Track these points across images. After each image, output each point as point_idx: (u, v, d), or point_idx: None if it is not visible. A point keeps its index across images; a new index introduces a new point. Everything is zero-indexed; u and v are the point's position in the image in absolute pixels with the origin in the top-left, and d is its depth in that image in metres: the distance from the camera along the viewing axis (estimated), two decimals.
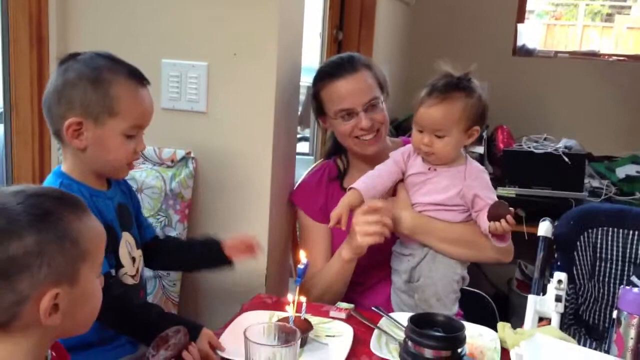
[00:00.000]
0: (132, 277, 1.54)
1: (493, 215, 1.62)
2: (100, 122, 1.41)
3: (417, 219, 1.75)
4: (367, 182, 1.75)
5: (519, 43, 4.06)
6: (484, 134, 3.20)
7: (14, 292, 0.93)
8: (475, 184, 1.71)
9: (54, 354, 1.07)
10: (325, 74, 1.89)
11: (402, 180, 1.81)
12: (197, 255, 1.69)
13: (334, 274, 1.82)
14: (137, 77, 1.47)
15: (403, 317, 1.51)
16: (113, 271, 1.47)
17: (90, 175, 1.47)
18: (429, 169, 1.75)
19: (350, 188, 1.74)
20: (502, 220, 1.60)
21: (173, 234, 1.88)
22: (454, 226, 1.74)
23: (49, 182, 1.46)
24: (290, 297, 1.45)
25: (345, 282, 1.84)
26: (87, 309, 1.03)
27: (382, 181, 1.77)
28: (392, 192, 1.84)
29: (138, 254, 1.58)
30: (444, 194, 1.73)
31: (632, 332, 1.35)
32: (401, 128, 3.10)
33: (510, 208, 1.62)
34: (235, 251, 1.64)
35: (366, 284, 1.91)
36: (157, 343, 1.23)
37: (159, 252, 1.69)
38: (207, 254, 1.66)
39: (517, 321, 1.58)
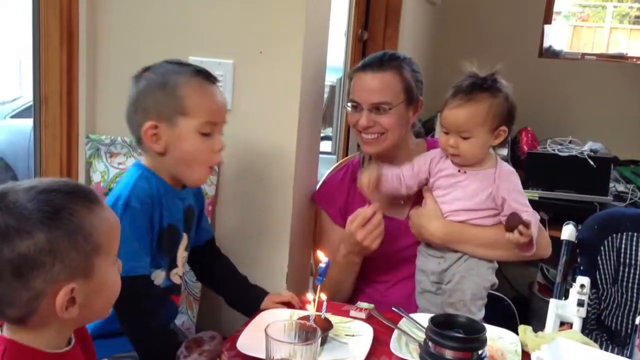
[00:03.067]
0: (180, 276, 1.59)
1: (507, 227, 1.62)
2: (174, 123, 1.45)
3: (449, 227, 1.72)
4: (389, 172, 1.76)
5: (546, 44, 4.03)
6: (508, 136, 3.18)
7: (29, 289, 0.94)
8: (504, 186, 1.68)
9: (74, 339, 1.08)
10: (361, 63, 1.90)
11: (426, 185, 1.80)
12: (235, 292, 1.71)
13: (339, 269, 1.84)
14: (203, 75, 1.50)
15: (423, 318, 1.51)
16: (156, 274, 1.49)
17: (168, 176, 1.51)
18: (459, 171, 1.73)
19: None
20: (516, 232, 1.60)
21: None
22: (487, 230, 1.71)
23: (129, 173, 1.49)
24: (309, 296, 1.46)
25: (351, 278, 1.87)
26: (104, 298, 1.04)
27: (399, 181, 1.77)
28: (415, 196, 1.83)
29: (186, 254, 1.61)
30: (473, 198, 1.71)
31: None
32: (425, 128, 3.09)
33: (527, 219, 1.60)
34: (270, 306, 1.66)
35: (388, 282, 1.92)
36: (189, 344, 1.22)
37: (206, 262, 1.71)
38: (244, 299, 1.69)
39: (537, 325, 1.56)
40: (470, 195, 1.71)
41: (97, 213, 1.01)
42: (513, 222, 1.61)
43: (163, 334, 1.44)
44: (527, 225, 1.59)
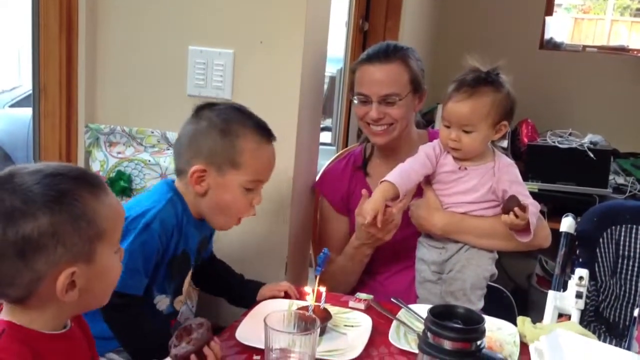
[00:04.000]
0: (182, 302, 1.59)
1: (504, 209, 1.63)
2: (223, 172, 1.45)
3: (449, 218, 1.73)
4: (402, 175, 1.71)
5: (547, 36, 4.01)
6: (508, 128, 3.18)
7: (30, 271, 0.96)
8: (504, 178, 1.69)
9: (71, 323, 1.09)
10: (365, 56, 1.89)
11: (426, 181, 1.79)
12: (234, 289, 1.71)
13: (348, 259, 1.86)
14: (265, 133, 1.50)
15: (422, 309, 1.51)
16: (161, 300, 1.49)
17: (195, 208, 1.51)
18: (460, 168, 1.73)
19: (383, 181, 1.70)
20: (511, 213, 1.60)
21: None
22: (487, 221, 1.71)
23: (160, 190, 1.49)
24: (307, 289, 1.46)
25: (359, 268, 1.88)
26: (104, 284, 1.06)
27: (416, 175, 1.74)
28: (416, 190, 1.82)
29: (189, 283, 1.62)
30: (474, 193, 1.72)
31: None
32: (425, 119, 3.09)
33: (524, 202, 1.60)
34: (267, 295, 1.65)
35: (387, 272, 1.92)
36: (180, 333, 1.23)
37: (205, 272, 1.70)
38: (245, 294, 1.68)
39: (535, 316, 1.57)
40: (471, 191, 1.72)
41: (101, 199, 1.02)
42: (510, 203, 1.62)
43: (154, 336, 1.40)
44: (523, 208, 1.59)
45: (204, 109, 1.51)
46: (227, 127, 1.46)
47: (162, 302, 1.50)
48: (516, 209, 1.60)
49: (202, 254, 1.63)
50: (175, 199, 1.47)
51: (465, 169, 1.72)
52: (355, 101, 1.89)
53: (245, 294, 1.67)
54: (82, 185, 1.00)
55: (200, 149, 1.46)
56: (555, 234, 1.87)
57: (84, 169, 1.09)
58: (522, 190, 1.71)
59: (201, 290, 1.84)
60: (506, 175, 1.70)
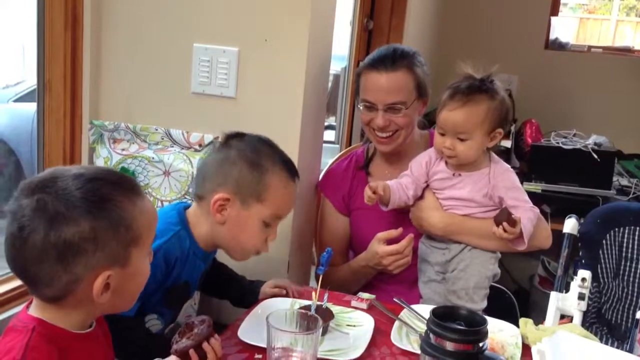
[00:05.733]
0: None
1: (495, 221, 1.64)
2: (247, 204, 1.46)
3: (449, 218, 1.74)
4: (395, 191, 1.76)
5: (552, 37, 4.00)
6: (512, 128, 3.17)
7: (69, 273, 0.98)
8: (500, 185, 1.70)
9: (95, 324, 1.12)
10: (370, 61, 1.88)
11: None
12: (237, 291, 1.71)
13: (351, 273, 1.88)
14: (292, 170, 1.53)
15: (424, 309, 1.52)
16: (153, 323, 1.47)
17: (208, 238, 1.50)
18: (454, 174, 1.73)
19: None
20: (500, 227, 1.62)
21: None
22: (487, 222, 1.70)
23: (169, 219, 1.47)
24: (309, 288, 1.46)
25: (359, 283, 1.89)
26: (134, 286, 1.09)
27: (406, 193, 1.77)
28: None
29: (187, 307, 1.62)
30: (469, 199, 1.72)
31: None
32: (427, 119, 3.08)
33: (515, 217, 1.62)
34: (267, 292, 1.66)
35: (388, 272, 1.92)
36: (183, 330, 1.24)
37: (209, 278, 1.69)
38: (248, 296, 1.67)
39: (537, 318, 1.57)
40: (465, 197, 1.72)
41: (138, 205, 1.05)
42: (500, 217, 1.63)
43: (147, 340, 1.40)
44: (513, 222, 1.61)
45: (234, 138, 1.52)
46: (257, 160, 1.47)
47: (154, 325, 1.47)
48: (505, 224, 1.61)
49: (201, 284, 1.62)
50: (183, 234, 1.46)
51: (460, 175, 1.73)
52: (361, 107, 1.88)
53: (249, 298, 1.67)
54: (121, 190, 1.04)
55: (227, 177, 1.46)
56: (558, 235, 1.87)
57: (121, 173, 1.12)
58: (520, 196, 1.71)
59: (203, 293, 1.84)
60: (502, 182, 1.70)
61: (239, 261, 1.60)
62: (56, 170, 1.02)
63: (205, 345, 1.22)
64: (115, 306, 1.10)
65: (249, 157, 1.47)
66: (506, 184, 1.71)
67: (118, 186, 1.04)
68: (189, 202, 1.62)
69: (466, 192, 1.72)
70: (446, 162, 1.75)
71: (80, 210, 0.97)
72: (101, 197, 1.00)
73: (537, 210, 1.72)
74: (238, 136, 1.52)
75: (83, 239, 0.97)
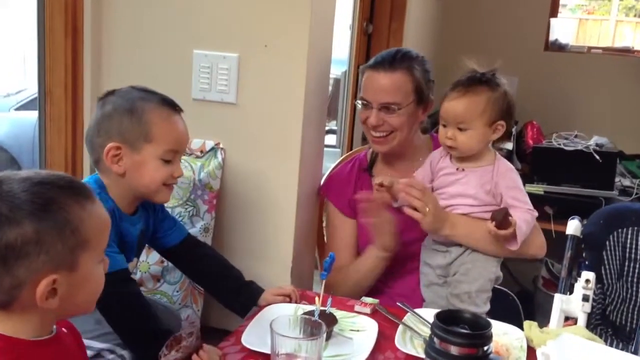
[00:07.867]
0: None
1: (490, 218, 1.64)
2: (137, 148, 1.47)
3: (455, 218, 1.73)
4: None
5: (552, 38, 4.00)
6: (513, 130, 3.17)
7: (12, 277, 0.95)
8: (502, 183, 1.70)
9: (64, 329, 1.10)
10: (373, 61, 1.91)
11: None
12: (226, 292, 1.69)
13: (367, 270, 1.86)
14: (169, 104, 1.53)
15: (428, 313, 1.51)
16: (133, 268, 1.50)
17: (124, 199, 1.51)
18: (457, 169, 1.74)
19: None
20: (493, 222, 1.62)
21: (200, 224, 1.90)
22: (481, 224, 1.70)
23: (86, 183, 1.46)
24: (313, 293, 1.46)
25: (375, 278, 1.88)
26: (86, 293, 1.05)
27: None
28: None
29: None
30: (473, 195, 1.72)
31: None
32: (431, 120, 3.08)
33: (511, 219, 1.63)
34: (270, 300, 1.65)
35: (391, 276, 1.92)
36: (170, 342, 1.24)
37: (191, 262, 1.70)
38: (240, 299, 1.66)
39: (541, 320, 1.56)
40: (469, 192, 1.72)
41: (87, 209, 1.02)
42: (497, 214, 1.63)
43: (158, 335, 1.39)
44: (506, 224, 1.62)
45: (106, 96, 1.52)
46: (132, 106, 1.47)
47: None
48: (493, 223, 1.62)
49: (141, 251, 1.62)
50: (104, 196, 1.47)
51: (463, 170, 1.73)
52: (359, 105, 1.90)
53: (244, 297, 1.65)
54: (68, 194, 1.00)
55: (110, 131, 1.47)
56: (561, 236, 1.86)
57: (72, 177, 1.08)
58: (520, 196, 1.71)
59: (196, 283, 1.85)
60: (503, 180, 1.70)
61: (162, 203, 1.60)
62: (4, 174, 1.00)
63: (194, 357, 1.23)
64: (70, 312, 1.06)
65: (124, 106, 1.48)
66: (508, 182, 1.71)
67: (66, 189, 1.01)
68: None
69: (470, 187, 1.72)
70: (450, 158, 1.75)
71: (24, 212, 0.95)
72: (47, 199, 0.97)
73: (535, 213, 1.72)
74: (109, 93, 1.52)
75: (26, 242, 0.94)
